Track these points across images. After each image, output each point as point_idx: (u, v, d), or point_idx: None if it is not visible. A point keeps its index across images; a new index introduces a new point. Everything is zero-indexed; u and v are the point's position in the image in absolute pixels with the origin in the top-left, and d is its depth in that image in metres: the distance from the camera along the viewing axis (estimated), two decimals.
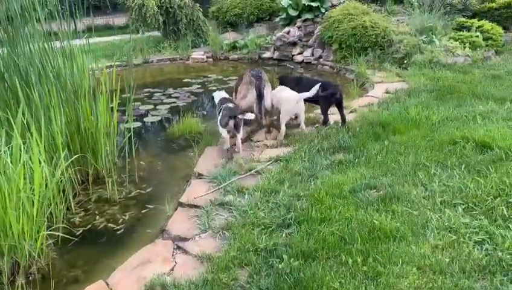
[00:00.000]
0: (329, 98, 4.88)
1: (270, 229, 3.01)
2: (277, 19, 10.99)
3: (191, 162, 4.45)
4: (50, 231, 3.09)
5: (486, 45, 7.92)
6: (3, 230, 2.79)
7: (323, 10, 9.82)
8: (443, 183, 3.42)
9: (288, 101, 4.75)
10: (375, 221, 2.94)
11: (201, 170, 4.10)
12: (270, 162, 4.12)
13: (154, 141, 5.59)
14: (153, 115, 6.52)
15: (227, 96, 4.99)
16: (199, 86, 8.26)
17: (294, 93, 4.81)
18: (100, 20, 15.71)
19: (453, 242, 2.70)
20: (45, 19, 4.06)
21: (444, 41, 7.83)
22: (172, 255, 2.91)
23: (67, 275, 2.99)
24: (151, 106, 6.95)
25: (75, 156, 3.81)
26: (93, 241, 3.38)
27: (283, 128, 4.72)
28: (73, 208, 3.72)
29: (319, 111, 5.29)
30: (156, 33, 11.99)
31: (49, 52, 4.03)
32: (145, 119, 6.34)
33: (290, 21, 10.44)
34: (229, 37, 11.44)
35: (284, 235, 2.95)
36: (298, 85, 5.11)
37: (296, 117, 4.95)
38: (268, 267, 2.64)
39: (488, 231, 2.76)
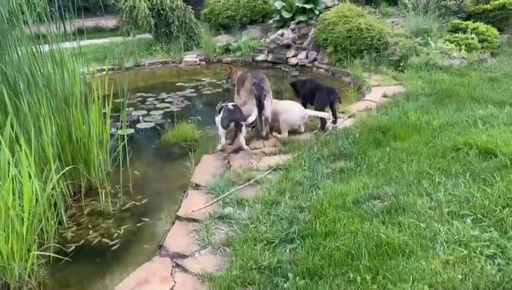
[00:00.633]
0: (325, 98, 5.04)
1: (273, 244, 2.88)
2: (270, 21, 10.87)
3: (187, 172, 4.30)
4: (41, 250, 2.93)
5: (482, 47, 7.89)
6: None
7: (317, 12, 9.73)
8: (449, 192, 3.32)
9: (293, 113, 4.84)
10: (381, 234, 2.83)
11: (198, 180, 3.96)
12: (269, 171, 4.00)
13: (149, 148, 5.40)
14: (145, 121, 6.36)
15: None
16: (193, 90, 8.10)
17: (301, 107, 4.93)
18: (90, 22, 15.43)
19: (465, 257, 2.59)
20: (34, 21, 3.88)
21: (440, 44, 7.78)
22: (171, 273, 2.76)
23: None
24: (145, 112, 6.78)
25: (67, 168, 3.63)
26: (87, 258, 3.20)
27: (285, 135, 4.83)
28: (65, 222, 3.55)
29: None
30: (148, 36, 11.77)
31: (38, 57, 3.84)
32: (138, 125, 6.17)
33: (283, 23, 10.34)
34: (222, 39, 11.29)
35: (287, 251, 2.82)
36: (317, 90, 5.16)
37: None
38: (273, 286, 2.51)
39: (500, 245, 2.66)
